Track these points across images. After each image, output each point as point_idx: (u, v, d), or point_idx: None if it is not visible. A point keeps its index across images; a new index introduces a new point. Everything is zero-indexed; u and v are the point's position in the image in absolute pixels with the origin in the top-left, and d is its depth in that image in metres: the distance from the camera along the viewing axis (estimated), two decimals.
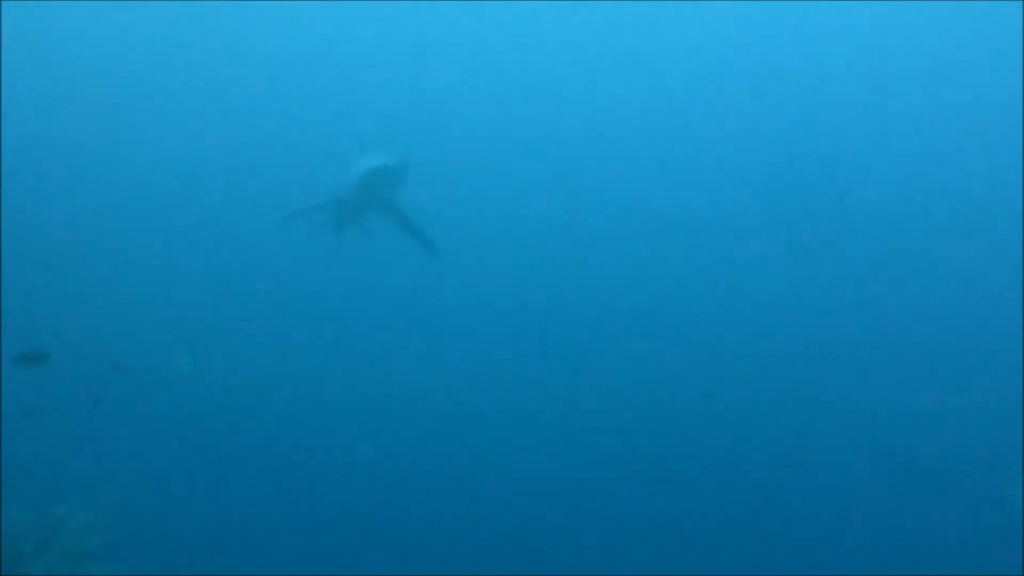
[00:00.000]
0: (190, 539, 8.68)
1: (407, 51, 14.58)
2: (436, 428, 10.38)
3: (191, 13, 13.82)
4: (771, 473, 10.10)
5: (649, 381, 11.00)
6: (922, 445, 10.54)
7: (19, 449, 9.04)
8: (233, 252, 11.95)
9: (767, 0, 13.78)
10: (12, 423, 9.33)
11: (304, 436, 10.09)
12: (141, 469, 9.43)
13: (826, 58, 13.89)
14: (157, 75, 13.63)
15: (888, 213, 12.98)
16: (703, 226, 12.76)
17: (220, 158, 13.06)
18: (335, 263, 10.28)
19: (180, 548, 8.50)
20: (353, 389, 10.84)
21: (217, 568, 8.25)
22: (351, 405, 10.64)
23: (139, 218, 12.36)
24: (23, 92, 12.35)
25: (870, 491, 10.05)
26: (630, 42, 14.32)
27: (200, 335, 11.17)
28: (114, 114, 13.01)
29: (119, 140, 12.81)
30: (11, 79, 12.02)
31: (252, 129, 13.60)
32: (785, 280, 12.33)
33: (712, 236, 12.76)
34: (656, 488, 9.89)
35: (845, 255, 12.64)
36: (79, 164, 12.68)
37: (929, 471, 10.26)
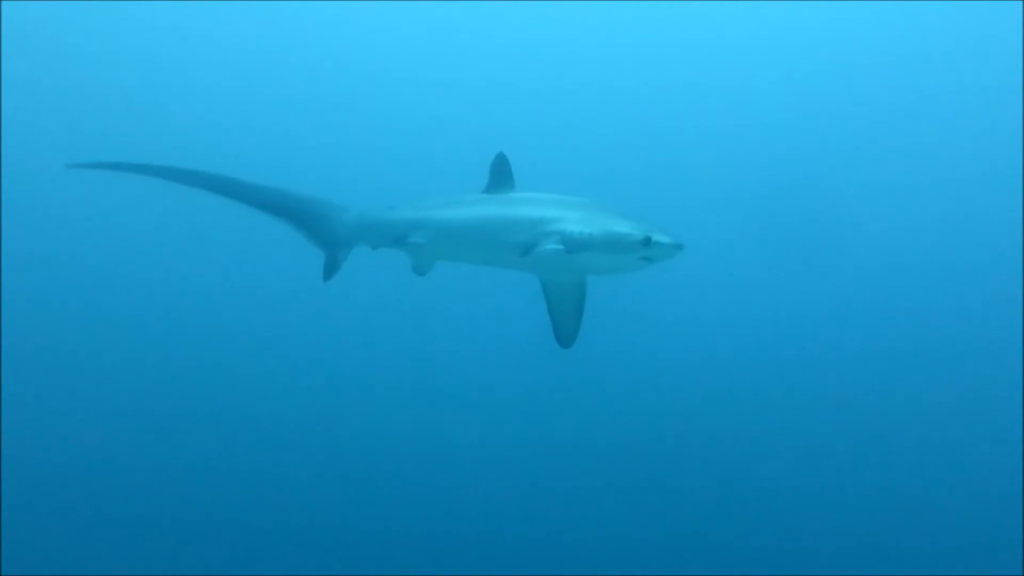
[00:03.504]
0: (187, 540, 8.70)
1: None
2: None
3: (205, 13, 13.80)
4: (768, 473, 10.08)
5: (645, 385, 10.97)
6: (921, 445, 10.55)
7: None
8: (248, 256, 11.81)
9: (765, 0, 13.77)
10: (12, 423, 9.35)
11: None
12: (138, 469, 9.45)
13: (824, 58, 13.88)
14: (165, 76, 13.57)
15: (887, 216, 12.97)
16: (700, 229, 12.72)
17: (228, 159, 12.98)
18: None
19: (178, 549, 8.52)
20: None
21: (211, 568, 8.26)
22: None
23: (141, 219, 12.33)
24: (23, 92, 12.34)
25: (869, 490, 10.03)
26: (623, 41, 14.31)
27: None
28: (117, 115, 13.00)
29: (122, 141, 12.81)
30: (11, 79, 12.02)
31: (260, 129, 13.47)
32: (783, 282, 12.31)
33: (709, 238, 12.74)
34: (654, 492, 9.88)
35: (845, 257, 12.61)
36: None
37: (928, 471, 10.26)
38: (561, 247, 4.47)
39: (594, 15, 14.18)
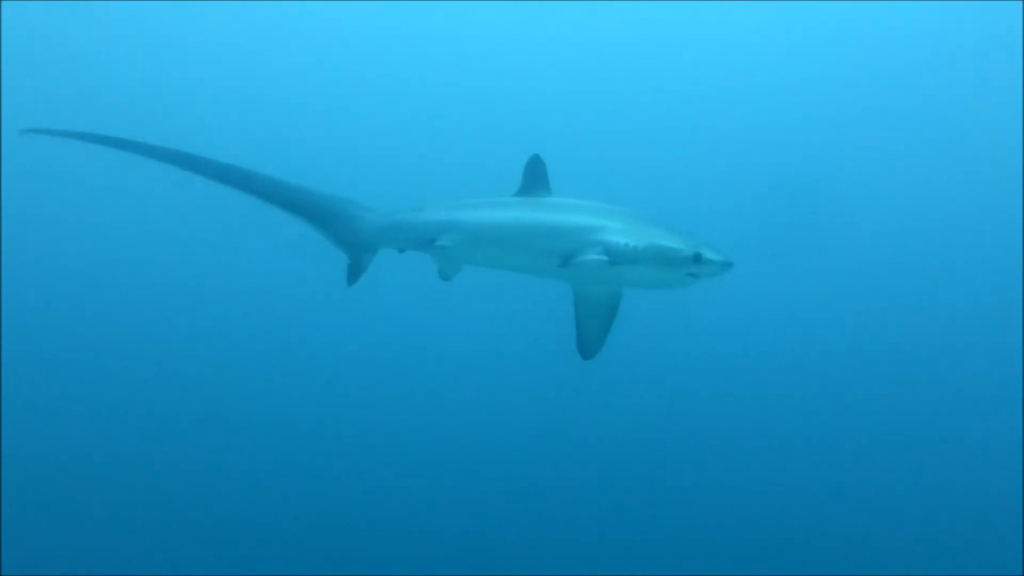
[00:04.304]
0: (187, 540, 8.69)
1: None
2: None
3: (207, 13, 13.78)
4: (768, 472, 10.08)
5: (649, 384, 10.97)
6: (923, 445, 10.56)
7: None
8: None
9: (764, 0, 13.78)
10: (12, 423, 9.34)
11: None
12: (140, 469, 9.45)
13: (824, 59, 13.88)
14: (167, 75, 13.54)
15: (887, 216, 12.97)
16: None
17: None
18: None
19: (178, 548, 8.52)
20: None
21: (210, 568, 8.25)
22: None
23: (152, 218, 12.31)
24: (23, 93, 12.33)
25: (870, 490, 10.04)
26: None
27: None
28: (118, 115, 12.97)
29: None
30: (11, 79, 12.01)
31: (268, 130, 13.39)
32: (784, 281, 12.31)
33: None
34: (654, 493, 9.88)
35: (847, 257, 12.61)
36: (81, 164, 12.66)
37: (929, 471, 10.26)
38: (605, 258, 4.25)
39: (593, 16, 14.18)
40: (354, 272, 5.07)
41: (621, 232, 4.28)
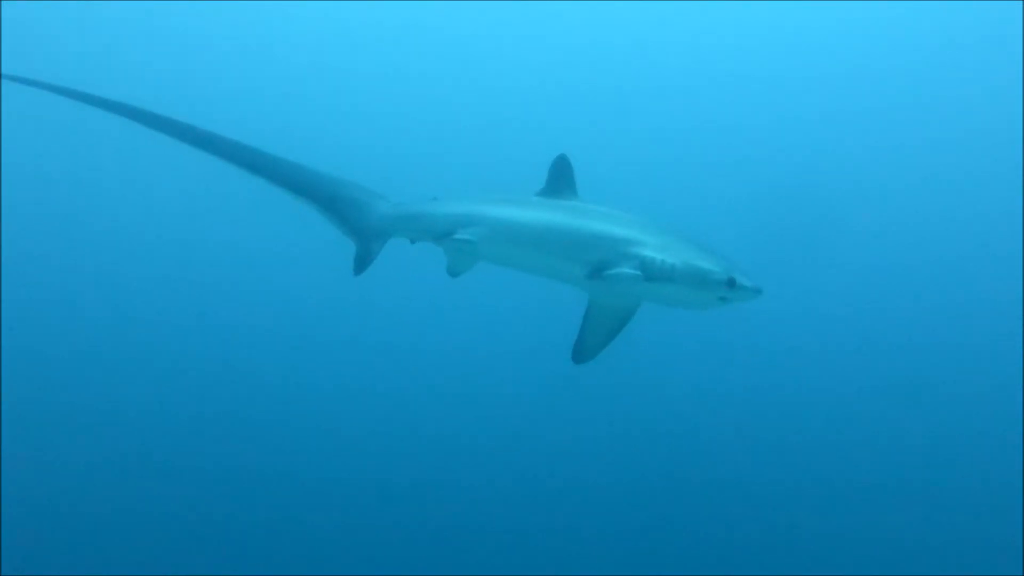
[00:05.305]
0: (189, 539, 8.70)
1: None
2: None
3: (207, 13, 13.78)
4: (766, 471, 10.08)
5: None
6: (921, 446, 10.56)
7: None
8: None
9: (764, 0, 13.78)
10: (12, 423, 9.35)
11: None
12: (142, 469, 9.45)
13: (824, 59, 13.88)
14: (168, 75, 13.53)
15: (887, 217, 12.97)
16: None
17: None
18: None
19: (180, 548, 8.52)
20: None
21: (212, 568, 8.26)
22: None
23: (143, 215, 12.28)
24: (23, 93, 12.30)
25: (868, 490, 10.04)
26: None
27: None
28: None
29: (124, 142, 12.76)
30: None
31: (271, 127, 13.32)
32: (784, 283, 12.29)
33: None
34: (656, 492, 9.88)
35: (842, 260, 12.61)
36: (81, 163, 12.68)
37: (928, 470, 10.27)
38: (639, 273, 4.10)
39: (595, 17, 14.18)
40: (362, 262, 4.88)
41: (657, 248, 4.14)
